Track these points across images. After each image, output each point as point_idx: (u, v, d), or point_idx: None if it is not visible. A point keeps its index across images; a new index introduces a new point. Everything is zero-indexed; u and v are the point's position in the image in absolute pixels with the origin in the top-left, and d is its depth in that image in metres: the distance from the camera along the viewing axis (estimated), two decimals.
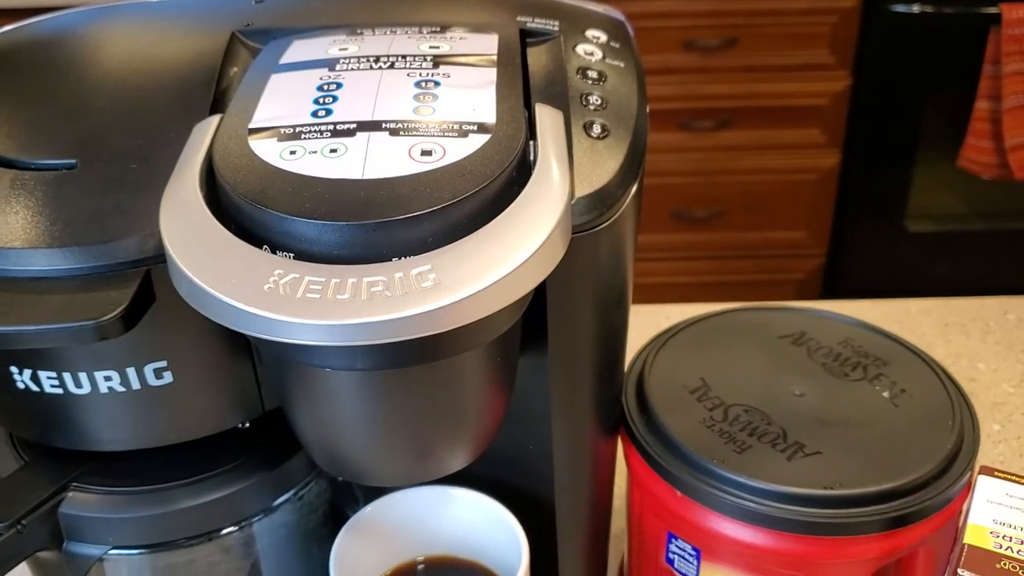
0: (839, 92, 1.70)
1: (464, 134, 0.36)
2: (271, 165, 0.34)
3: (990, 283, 1.64)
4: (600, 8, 0.49)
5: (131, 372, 0.38)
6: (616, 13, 0.50)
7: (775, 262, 1.88)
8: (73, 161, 0.39)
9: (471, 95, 0.38)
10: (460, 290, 0.31)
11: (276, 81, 0.40)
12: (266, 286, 0.31)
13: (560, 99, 0.40)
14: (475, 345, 0.37)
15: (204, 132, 0.37)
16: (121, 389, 0.39)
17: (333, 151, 0.35)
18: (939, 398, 0.48)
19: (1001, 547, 0.40)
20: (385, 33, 0.44)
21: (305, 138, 0.36)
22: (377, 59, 0.41)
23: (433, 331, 0.31)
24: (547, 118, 0.38)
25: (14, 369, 0.39)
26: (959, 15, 1.60)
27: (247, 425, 0.43)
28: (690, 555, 0.47)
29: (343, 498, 0.50)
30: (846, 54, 1.67)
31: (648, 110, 0.44)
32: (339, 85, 0.39)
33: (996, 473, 0.44)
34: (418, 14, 0.47)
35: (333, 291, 0.31)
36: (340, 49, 0.42)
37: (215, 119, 0.38)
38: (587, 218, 0.38)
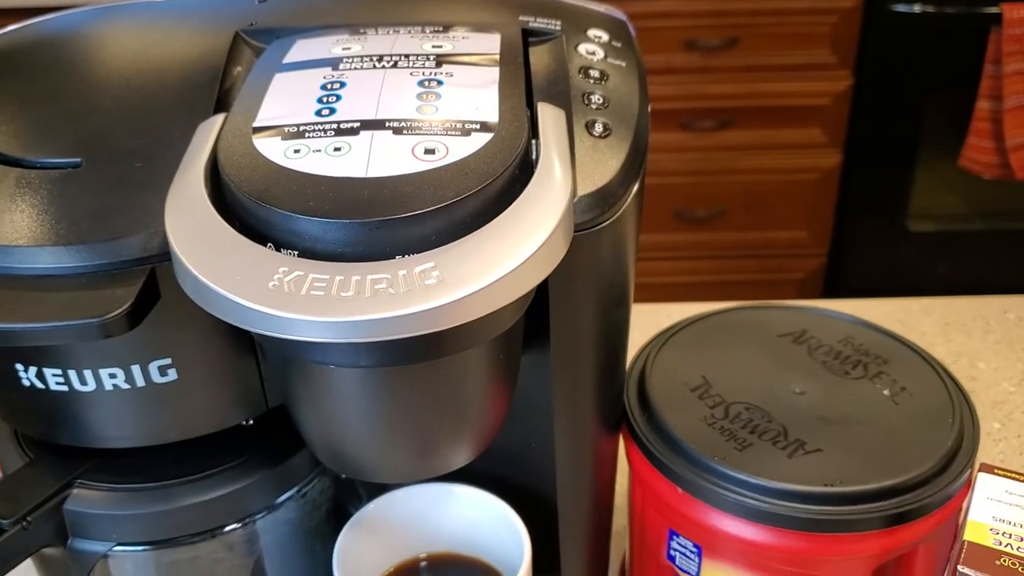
0: (840, 92, 1.70)
1: (467, 133, 0.36)
2: (275, 163, 0.35)
3: (991, 283, 1.64)
4: (602, 8, 0.50)
5: (136, 369, 0.39)
6: (618, 13, 0.50)
7: (776, 262, 1.88)
8: (78, 160, 0.39)
9: (474, 94, 0.38)
10: (463, 288, 0.31)
11: (280, 80, 0.40)
12: (270, 283, 0.31)
13: (562, 98, 0.40)
14: (478, 342, 0.37)
15: (208, 131, 0.37)
16: (126, 386, 0.39)
17: (337, 150, 0.35)
18: (939, 396, 0.48)
19: (1001, 544, 0.40)
20: (388, 33, 0.44)
21: (309, 137, 0.36)
22: (380, 58, 0.41)
23: (436, 328, 0.31)
24: (549, 117, 0.38)
25: (19, 366, 0.39)
26: (960, 15, 1.60)
27: (251, 422, 0.43)
28: (691, 552, 0.47)
29: (346, 495, 0.51)
30: (847, 54, 1.67)
31: (649, 109, 0.44)
32: (343, 84, 0.39)
33: (996, 470, 0.44)
34: (421, 14, 0.47)
35: (337, 288, 0.31)
36: (343, 48, 0.42)
37: (219, 118, 0.38)
38: (589, 217, 0.38)
